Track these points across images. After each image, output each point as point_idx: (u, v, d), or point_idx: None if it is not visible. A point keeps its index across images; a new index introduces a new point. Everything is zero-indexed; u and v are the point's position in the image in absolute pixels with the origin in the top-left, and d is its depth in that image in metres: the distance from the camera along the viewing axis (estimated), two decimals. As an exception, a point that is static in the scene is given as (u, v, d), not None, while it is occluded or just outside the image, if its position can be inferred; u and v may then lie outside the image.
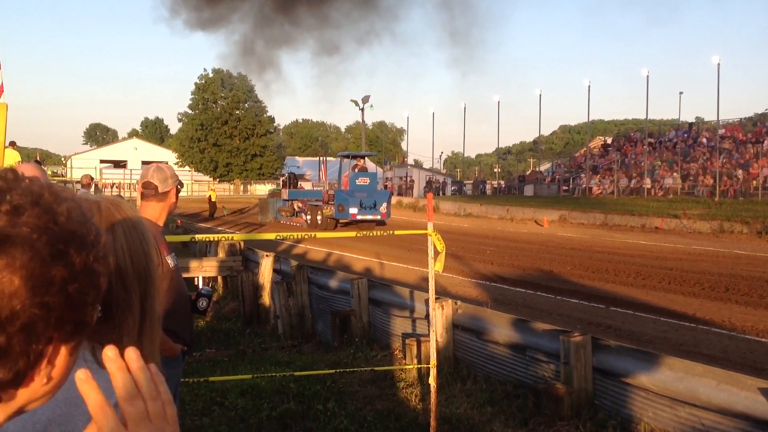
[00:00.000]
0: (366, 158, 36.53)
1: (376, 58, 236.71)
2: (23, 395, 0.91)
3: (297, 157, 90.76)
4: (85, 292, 0.89)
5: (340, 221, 30.85)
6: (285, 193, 36.83)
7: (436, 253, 5.90)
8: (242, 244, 13.99)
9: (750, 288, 13.66)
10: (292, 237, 10.24)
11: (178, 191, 4.04)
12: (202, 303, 4.14)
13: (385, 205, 30.72)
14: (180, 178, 4.21)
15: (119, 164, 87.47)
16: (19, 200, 0.86)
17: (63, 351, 0.92)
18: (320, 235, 8.87)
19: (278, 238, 7.08)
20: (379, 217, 30.53)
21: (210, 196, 43.77)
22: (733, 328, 10.36)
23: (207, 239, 8.70)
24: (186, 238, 8.81)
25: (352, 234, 7.82)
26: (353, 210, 29.98)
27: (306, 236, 8.62)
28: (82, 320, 0.91)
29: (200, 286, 4.33)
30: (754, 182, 37.68)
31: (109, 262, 0.95)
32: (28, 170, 3.73)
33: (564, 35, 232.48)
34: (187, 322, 4.11)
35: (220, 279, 14.19)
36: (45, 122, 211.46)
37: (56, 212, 0.88)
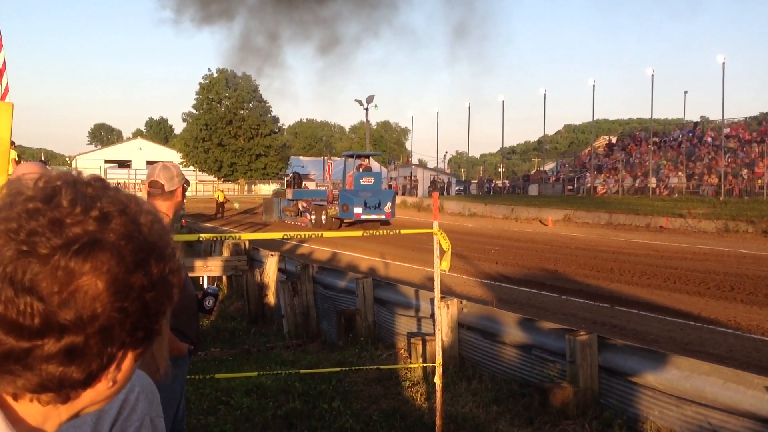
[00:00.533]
0: (370, 158, 36.52)
1: (380, 57, 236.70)
2: (88, 396, 0.94)
3: (301, 157, 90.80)
4: (160, 302, 0.93)
5: (345, 221, 30.86)
6: (290, 193, 36.86)
7: (442, 252, 5.89)
8: (247, 243, 14.00)
9: (755, 287, 13.63)
10: (297, 236, 10.25)
11: (184, 190, 4.04)
12: (209, 302, 4.15)
13: (389, 204, 30.71)
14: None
15: (124, 164, 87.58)
16: (108, 207, 0.90)
17: (130, 356, 0.95)
18: (327, 234, 8.89)
19: (285, 237, 7.09)
20: (383, 216, 30.53)
21: (218, 196, 43.75)
22: (739, 328, 10.33)
23: (213, 238, 8.69)
24: (193, 237, 8.82)
25: (359, 233, 7.81)
26: (358, 210, 29.98)
27: (312, 236, 8.63)
28: (153, 328, 0.94)
29: (206, 286, 4.32)
30: (759, 181, 37.60)
31: (181, 276, 0.98)
32: (32, 169, 3.74)
33: (568, 34, 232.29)
34: (194, 321, 4.11)
35: (224, 278, 14.21)
36: (50, 122, 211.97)
37: (140, 222, 0.92)
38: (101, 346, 0.89)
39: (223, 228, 34.18)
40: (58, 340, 0.85)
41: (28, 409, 0.92)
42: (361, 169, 32.36)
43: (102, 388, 0.94)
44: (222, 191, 46.77)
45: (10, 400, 0.91)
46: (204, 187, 78.77)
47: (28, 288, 0.83)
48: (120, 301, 0.87)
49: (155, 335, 0.96)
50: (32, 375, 0.87)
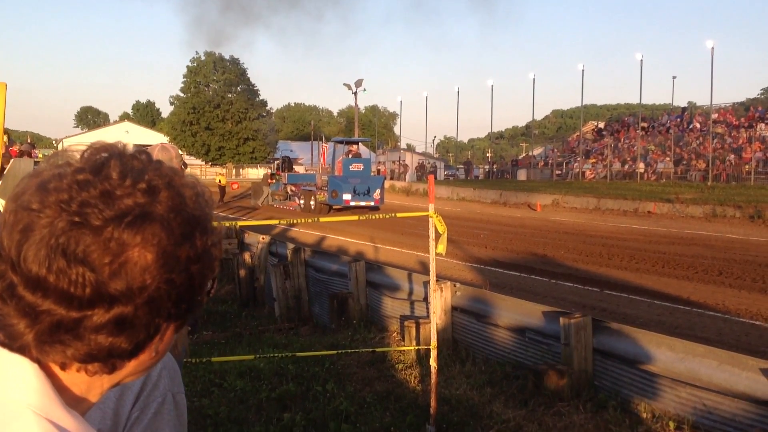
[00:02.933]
0: (359, 144, 36.45)
1: (368, 40, 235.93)
2: (131, 366, 0.95)
3: (290, 141, 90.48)
4: (204, 274, 0.95)
5: (334, 207, 30.85)
6: (284, 177, 36.83)
7: (438, 235, 5.89)
8: (237, 225, 13.98)
9: (743, 271, 13.73)
10: (292, 221, 10.23)
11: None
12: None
13: (378, 191, 30.74)
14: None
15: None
16: (155, 180, 0.91)
17: (172, 328, 0.96)
18: (323, 219, 8.86)
19: (281, 223, 7.05)
20: (372, 203, 30.55)
21: (219, 180, 43.53)
22: (727, 311, 10.41)
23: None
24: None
25: (354, 218, 7.81)
26: (347, 196, 30.00)
27: (306, 221, 8.61)
28: (196, 300, 0.96)
29: None
30: (747, 167, 37.79)
31: (221, 249, 1.00)
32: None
33: (558, 20, 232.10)
34: None
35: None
36: (36, 106, 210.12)
37: (185, 195, 0.93)
38: (149, 317, 0.89)
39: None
40: (108, 310, 0.86)
41: (75, 378, 0.93)
42: (350, 156, 32.31)
43: (145, 359, 0.95)
44: (223, 175, 46.47)
45: (57, 369, 0.92)
46: (191, 170, 78.35)
47: (81, 259, 0.84)
48: (168, 272, 0.89)
49: (198, 307, 0.97)
50: (82, 345, 0.87)
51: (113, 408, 1.17)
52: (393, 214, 8.34)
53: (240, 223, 12.48)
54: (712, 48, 38.17)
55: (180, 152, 4.23)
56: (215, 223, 0.98)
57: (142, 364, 0.96)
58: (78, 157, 0.91)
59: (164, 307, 0.90)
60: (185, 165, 4.14)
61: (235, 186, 51.34)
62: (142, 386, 1.21)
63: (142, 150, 0.97)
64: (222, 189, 42.12)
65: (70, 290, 0.84)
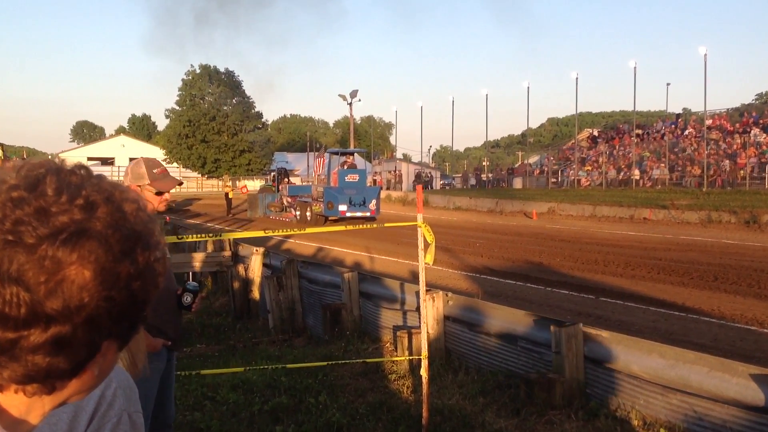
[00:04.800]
0: (355, 154, 36.49)
1: (365, 50, 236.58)
2: (73, 386, 0.93)
3: (286, 153, 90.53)
4: (146, 290, 0.92)
5: (330, 218, 30.87)
6: (286, 189, 36.85)
7: (426, 245, 5.88)
8: (231, 240, 13.96)
9: (739, 277, 13.72)
10: (282, 233, 10.23)
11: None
12: (187, 298, 4.10)
13: (374, 201, 30.79)
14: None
15: (107, 161, 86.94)
16: (93, 196, 0.89)
17: (114, 346, 0.94)
18: (310, 230, 8.88)
19: (268, 234, 7.05)
20: (368, 214, 30.58)
21: (227, 193, 43.48)
22: (723, 317, 10.40)
23: (197, 239, 8.67)
24: (172, 239, 8.73)
25: (343, 228, 7.80)
26: (342, 207, 30.04)
27: (286, 231, 8.68)
28: (139, 317, 0.94)
29: (188, 281, 4.25)
30: (742, 172, 37.85)
31: (166, 264, 0.98)
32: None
33: (551, 27, 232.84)
34: (171, 318, 4.09)
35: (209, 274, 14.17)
36: (31, 120, 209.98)
37: (125, 211, 0.91)
38: (88, 336, 0.87)
39: (208, 224, 34.06)
40: (45, 330, 0.84)
41: (12, 400, 0.91)
42: (345, 166, 32.36)
43: (87, 378, 0.93)
44: (230, 187, 46.36)
45: None
46: (188, 183, 78.36)
47: (15, 278, 0.82)
48: (107, 290, 0.86)
49: (141, 324, 0.95)
50: (18, 366, 0.85)
51: (66, 430, 1.15)
52: (382, 224, 8.34)
53: (225, 236, 12.44)
54: (705, 54, 38.27)
55: (161, 163, 4.23)
56: (158, 239, 0.96)
57: (85, 383, 0.94)
58: (14, 174, 0.89)
59: (104, 326, 0.88)
60: (180, 182, 4.19)
61: (244, 190, 51.56)
62: (96, 406, 1.18)
63: (81, 165, 0.95)
64: (229, 201, 42.09)
65: (4, 310, 0.82)
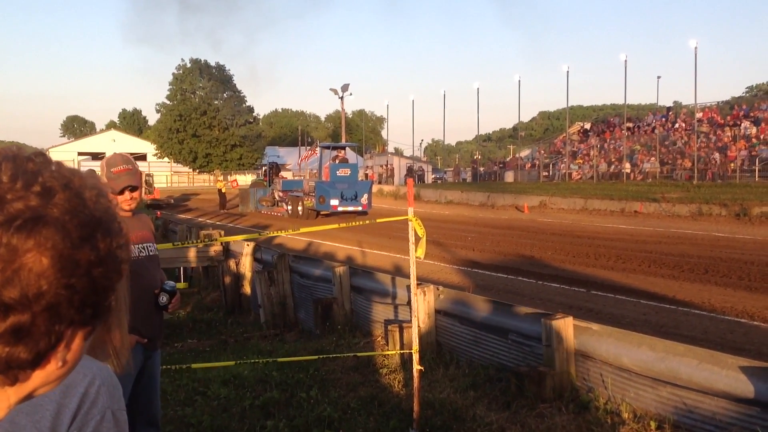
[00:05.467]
0: (347, 148, 36.45)
1: (358, 44, 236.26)
2: (38, 378, 0.91)
3: (277, 147, 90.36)
4: (108, 277, 0.90)
5: (321, 213, 30.84)
6: (279, 183, 36.82)
7: (417, 238, 5.88)
8: (222, 233, 13.93)
9: (729, 269, 13.77)
10: (273, 232, 10.22)
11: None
12: (163, 298, 4.08)
13: (366, 196, 30.78)
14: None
15: (97, 156, 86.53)
16: (50, 182, 0.87)
17: (80, 335, 0.92)
18: (304, 230, 8.83)
19: (260, 234, 7.08)
20: (360, 208, 30.58)
21: (220, 188, 43.38)
22: (713, 310, 10.44)
23: (186, 245, 8.63)
24: (168, 245, 8.69)
25: (335, 226, 7.80)
26: (334, 202, 30.03)
27: (290, 233, 8.69)
28: (102, 305, 0.92)
29: (166, 281, 4.22)
30: (732, 165, 37.97)
31: (129, 251, 0.96)
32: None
33: (542, 21, 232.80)
34: (147, 316, 4.08)
35: (200, 269, 14.14)
36: (22, 115, 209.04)
37: (85, 197, 0.90)
38: (49, 325, 0.86)
39: (199, 220, 33.99)
40: (3, 319, 0.83)
41: None
42: (337, 161, 32.33)
43: (51, 369, 0.91)
44: (223, 182, 46.22)
45: None
46: (179, 178, 78.12)
47: None
48: (66, 277, 0.85)
49: (105, 312, 0.93)
50: None
51: (49, 427, 1.14)
52: (374, 220, 8.32)
53: (220, 239, 12.40)
54: (696, 47, 38.32)
55: (127, 161, 4.19)
56: (120, 225, 0.94)
57: (50, 375, 0.92)
58: None
59: (66, 314, 0.87)
60: (134, 186, 4.12)
61: (234, 184, 51.47)
62: (79, 403, 1.17)
63: (39, 152, 0.93)
64: (223, 196, 42.00)
65: None
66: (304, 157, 44.13)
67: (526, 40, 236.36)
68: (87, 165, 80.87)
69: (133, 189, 4.11)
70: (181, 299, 4.39)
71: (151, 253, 4.29)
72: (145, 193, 43.90)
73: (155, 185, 49.10)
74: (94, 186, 0.93)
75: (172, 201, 47.58)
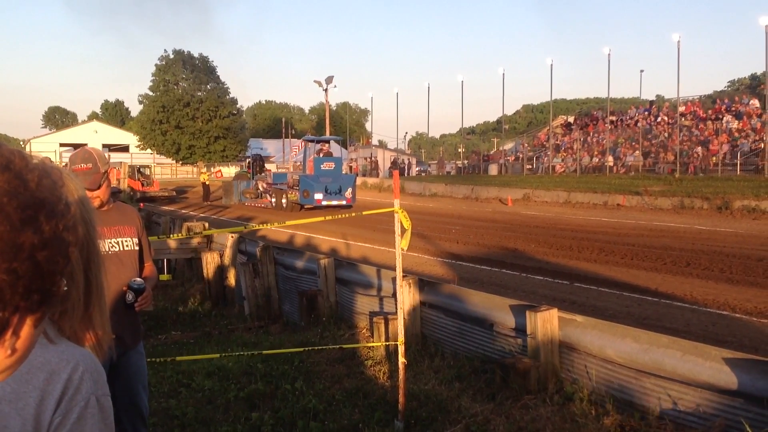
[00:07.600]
0: (331, 142, 36.39)
1: (339, 36, 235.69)
2: None
3: (261, 139, 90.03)
4: (55, 261, 0.87)
5: (305, 207, 30.81)
6: (269, 176, 36.74)
7: (403, 230, 5.87)
8: (207, 225, 13.87)
9: (711, 262, 13.87)
10: (257, 219, 10.19)
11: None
12: (129, 296, 4.02)
13: (350, 190, 30.79)
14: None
15: (79, 147, 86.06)
16: None
17: (28, 322, 0.89)
18: (290, 222, 8.82)
19: (245, 228, 7.05)
20: (344, 202, 30.60)
21: (204, 180, 43.10)
22: (695, 302, 10.51)
23: (177, 243, 8.58)
24: (153, 238, 8.62)
25: (321, 218, 7.77)
26: (318, 195, 30.03)
27: (276, 225, 8.67)
28: (50, 290, 0.88)
29: (134, 279, 4.15)
30: (714, 159, 38.24)
31: (78, 232, 0.93)
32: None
33: (526, 14, 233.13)
34: (114, 313, 4.03)
35: (184, 261, 14.08)
36: (2, 106, 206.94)
37: (26, 178, 0.86)
38: None
39: (183, 211, 33.84)
40: None
41: None
42: (321, 154, 32.28)
43: (0, 358, 0.89)
44: (207, 174, 45.80)
45: None
46: (162, 170, 77.67)
47: None
48: (8, 261, 0.82)
49: (53, 297, 0.90)
50: None
51: (33, 414, 1.12)
52: (360, 212, 8.31)
53: (205, 232, 12.35)
54: (678, 41, 38.49)
55: (89, 158, 4.11)
56: (68, 206, 0.91)
57: (0, 364, 0.89)
58: None
59: (10, 300, 0.83)
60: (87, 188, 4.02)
61: (219, 174, 51.07)
62: (63, 390, 1.15)
63: None
64: (206, 188, 41.79)
65: None
66: (296, 152, 44.03)
67: (510, 33, 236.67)
68: (68, 156, 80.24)
69: (89, 190, 3.97)
70: (152, 296, 4.31)
71: (126, 248, 4.21)
72: (142, 185, 43.56)
73: (154, 177, 48.51)
74: (38, 167, 0.89)
75: (174, 194, 46.24)
